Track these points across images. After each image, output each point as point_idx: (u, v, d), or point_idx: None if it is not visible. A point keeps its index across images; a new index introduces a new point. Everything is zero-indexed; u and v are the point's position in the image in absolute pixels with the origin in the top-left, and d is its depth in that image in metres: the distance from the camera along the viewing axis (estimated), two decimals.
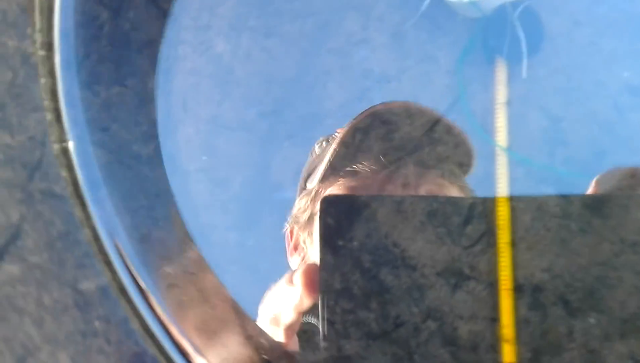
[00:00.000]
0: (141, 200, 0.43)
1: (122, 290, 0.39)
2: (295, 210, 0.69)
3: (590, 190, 0.48)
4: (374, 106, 0.64)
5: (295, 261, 0.68)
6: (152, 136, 0.45)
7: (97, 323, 0.38)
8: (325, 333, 0.41)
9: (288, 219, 0.69)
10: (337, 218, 0.42)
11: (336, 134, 0.67)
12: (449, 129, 0.62)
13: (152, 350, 0.38)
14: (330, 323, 0.42)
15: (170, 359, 0.39)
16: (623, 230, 0.40)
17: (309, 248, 0.65)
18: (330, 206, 0.42)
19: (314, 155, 0.70)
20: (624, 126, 0.58)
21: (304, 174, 0.70)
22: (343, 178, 0.62)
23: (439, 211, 0.42)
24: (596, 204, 0.41)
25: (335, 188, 0.63)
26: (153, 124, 0.45)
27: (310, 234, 0.63)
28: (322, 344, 0.41)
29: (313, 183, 0.66)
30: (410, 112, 0.63)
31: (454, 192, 0.62)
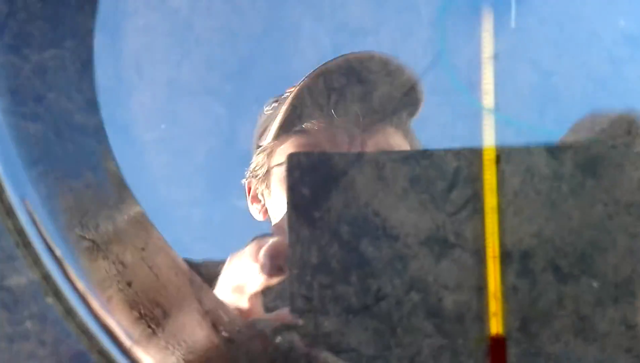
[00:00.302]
0: (87, 178, 0.43)
1: (57, 285, 0.38)
2: (252, 166, 0.79)
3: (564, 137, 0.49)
4: (325, 63, 0.71)
5: (254, 209, 0.78)
6: (99, 103, 0.45)
7: (28, 324, 0.38)
8: (296, 308, 0.43)
9: (246, 173, 0.78)
10: (313, 188, 0.43)
11: (287, 94, 0.75)
12: (387, 66, 0.70)
13: (92, 347, 0.38)
14: (308, 299, 0.43)
15: (110, 357, 0.38)
16: (617, 191, 0.42)
17: (267, 200, 0.74)
18: (303, 174, 0.43)
19: (262, 116, 0.79)
20: (619, 80, 0.59)
21: (257, 131, 0.80)
22: (294, 135, 0.72)
23: (422, 177, 0.43)
24: (589, 164, 0.42)
25: (288, 146, 0.72)
26: (100, 90, 0.45)
27: (267, 186, 0.73)
28: (297, 321, 0.43)
29: (267, 140, 0.76)
30: (354, 65, 0.71)
31: (398, 140, 0.71)
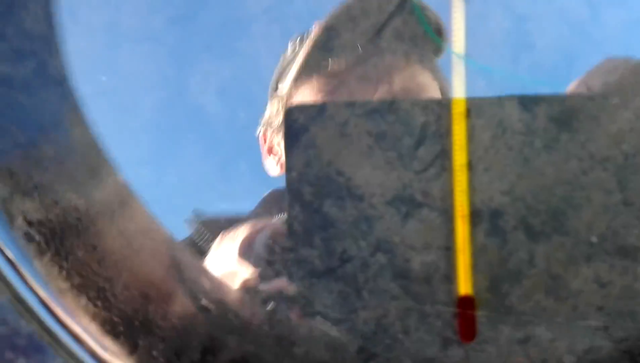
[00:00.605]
0: (17, 137, 0.42)
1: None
2: (267, 114, 0.80)
3: (573, 87, 0.50)
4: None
5: (270, 163, 0.80)
6: (28, 52, 0.44)
7: None
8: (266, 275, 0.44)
9: (261, 122, 0.80)
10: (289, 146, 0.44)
11: (313, 28, 0.76)
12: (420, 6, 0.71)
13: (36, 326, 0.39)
14: (269, 263, 0.44)
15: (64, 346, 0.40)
16: (593, 145, 0.44)
17: (284, 151, 0.77)
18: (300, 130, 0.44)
19: (286, 56, 0.80)
20: (597, 25, 0.61)
21: (275, 76, 0.81)
22: (314, 78, 0.73)
23: (388, 133, 0.44)
24: (564, 117, 0.44)
25: (309, 89, 0.74)
26: (28, 37, 0.44)
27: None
28: (261, 286, 0.44)
29: (285, 85, 0.77)
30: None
31: (427, 79, 0.73)
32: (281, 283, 0.47)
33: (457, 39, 0.44)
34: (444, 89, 0.83)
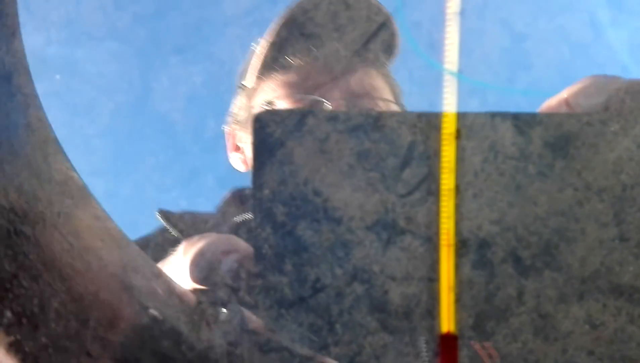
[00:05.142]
0: None
1: None
2: (233, 109, 0.91)
3: (552, 104, 0.51)
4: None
5: (235, 158, 0.92)
6: None
7: None
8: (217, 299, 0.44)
9: (227, 118, 0.92)
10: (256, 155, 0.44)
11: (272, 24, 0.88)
12: (371, 8, 0.86)
13: None
14: (234, 290, 0.44)
15: None
16: (589, 174, 0.45)
17: (248, 148, 0.86)
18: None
19: (249, 55, 0.92)
20: (600, 46, 0.62)
21: (239, 72, 0.93)
22: (278, 72, 0.85)
23: (372, 151, 0.45)
24: (560, 143, 0.45)
25: (271, 84, 0.85)
26: None
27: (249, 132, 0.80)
28: (223, 316, 0.44)
29: (249, 80, 0.89)
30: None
31: (380, 83, 0.87)
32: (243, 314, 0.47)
33: (450, 55, 0.44)
34: (397, 94, 0.92)
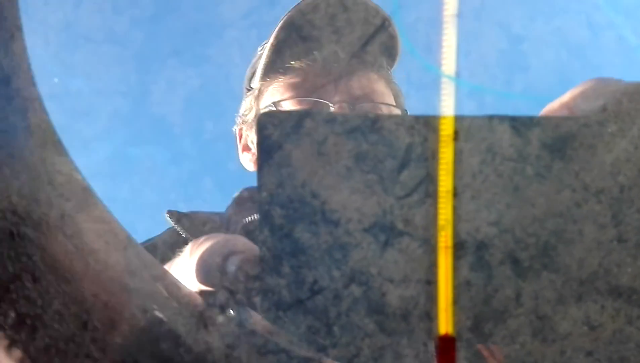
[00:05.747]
0: None
1: None
2: (242, 110, 0.96)
3: (553, 108, 0.51)
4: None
5: (245, 158, 0.96)
6: None
7: None
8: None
9: (236, 119, 0.96)
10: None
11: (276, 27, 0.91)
12: (368, 11, 0.88)
13: None
14: (231, 293, 0.44)
15: None
16: (587, 175, 0.45)
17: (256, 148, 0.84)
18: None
19: (255, 57, 0.96)
20: (597, 48, 0.63)
21: (247, 74, 0.97)
22: (281, 75, 0.88)
23: (370, 154, 0.45)
24: (558, 144, 0.45)
25: (276, 86, 0.88)
26: None
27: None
28: (223, 318, 0.44)
29: (255, 82, 0.93)
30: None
31: (382, 86, 0.90)
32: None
33: (448, 58, 0.44)
34: (398, 98, 0.94)
